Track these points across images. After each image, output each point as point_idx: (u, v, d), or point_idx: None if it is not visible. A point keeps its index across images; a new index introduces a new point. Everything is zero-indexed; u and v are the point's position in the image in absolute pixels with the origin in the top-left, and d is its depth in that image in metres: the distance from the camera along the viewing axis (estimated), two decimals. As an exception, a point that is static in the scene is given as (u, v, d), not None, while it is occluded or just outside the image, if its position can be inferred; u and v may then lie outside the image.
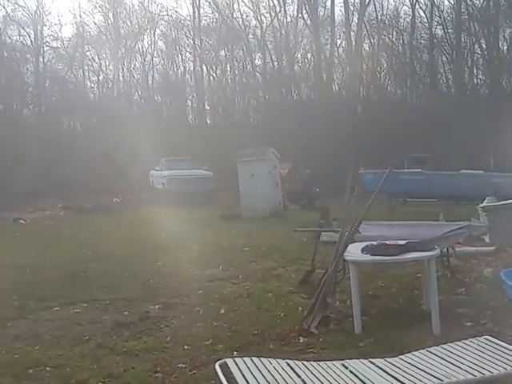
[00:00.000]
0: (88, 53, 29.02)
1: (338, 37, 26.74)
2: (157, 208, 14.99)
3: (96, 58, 29.16)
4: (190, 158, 19.29)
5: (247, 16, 27.81)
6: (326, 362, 2.87)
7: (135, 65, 29.54)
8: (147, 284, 6.52)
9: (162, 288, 6.25)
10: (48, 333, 4.76)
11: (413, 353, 2.91)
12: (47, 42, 27.89)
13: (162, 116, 28.16)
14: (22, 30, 27.61)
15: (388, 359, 2.87)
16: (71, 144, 22.88)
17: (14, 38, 27.70)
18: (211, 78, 29.11)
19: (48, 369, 3.90)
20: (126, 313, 5.33)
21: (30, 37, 27.54)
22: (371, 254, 4.34)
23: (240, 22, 27.74)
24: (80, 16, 29.09)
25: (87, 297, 5.92)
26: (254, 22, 27.81)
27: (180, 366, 3.90)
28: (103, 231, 11.82)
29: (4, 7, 26.98)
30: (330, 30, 26.30)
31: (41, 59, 27.71)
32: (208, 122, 28.77)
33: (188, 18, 28.17)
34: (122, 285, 6.48)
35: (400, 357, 2.89)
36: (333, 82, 26.39)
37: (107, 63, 29.45)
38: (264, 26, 27.40)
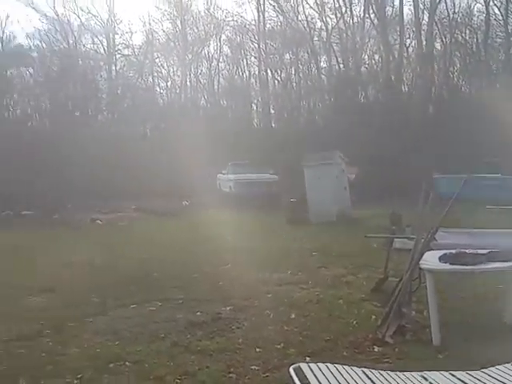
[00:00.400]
0: (157, 60, 30.08)
1: (407, 36, 26.03)
2: (224, 211, 15.21)
3: (165, 64, 30.18)
4: (256, 161, 19.44)
5: (312, 18, 27.71)
6: (404, 373, 2.80)
7: (202, 70, 30.27)
8: (217, 286, 6.65)
9: (232, 290, 6.34)
10: (126, 329, 4.97)
11: (496, 367, 2.79)
12: (119, 49, 29.21)
13: (227, 120, 28.61)
14: (95, 39, 29.10)
15: (470, 372, 2.76)
16: (142, 148, 23.73)
17: (88, 46, 29.25)
18: (276, 81, 29.25)
19: (127, 364, 4.07)
20: (198, 313, 5.46)
21: (102, 45, 28.96)
22: (450, 263, 4.19)
23: (305, 25, 27.67)
24: (149, 24, 30.19)
25: (161, 296, 6.12)
26: (319, 24, 27.66)
27: (253, 367, 3.96)
28: (173, 233, 12.20)
29: (79, 17, 28.55)
30: (399, 29, 25.63)
31: (113, 67, 29.04)
32: (273, 125, 28.90)
33: (253, 22, 28.51)
34: (193, 286, 6.65)
35: (483, 370, 2.77)
36: (402, 83, 25.71)
37: (175, 69, 30.37)
38: (329, 27, 27.17)
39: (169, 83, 30.42)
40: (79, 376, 3.79)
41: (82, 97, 27.51)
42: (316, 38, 27.65)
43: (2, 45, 26.91)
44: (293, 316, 5.19)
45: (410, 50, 26.45)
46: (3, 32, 26.77)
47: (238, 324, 5.08)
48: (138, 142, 25.79)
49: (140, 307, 5.75)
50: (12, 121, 26.56)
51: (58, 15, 28.20)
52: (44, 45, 28.80)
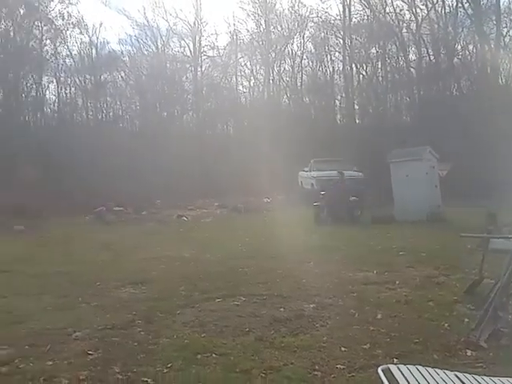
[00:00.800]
0: (241, 59, 30.59)
1: (503, 25, 24.32)
2: (306, 208, 15.15)
3: (248, 63, 30.61)
4: (340, 158, 19.10)
5: (401, 10, 26.73)
6: (500, 379, 2.61)
7: (284, 68, 30.35)
8: (300, 283, 6.61)
9: (315, 288, 6.28)
10: (212, 322, 5.08)
11: None
12: (204, 51, 30.06)
13: (310, 117, 28.45)
14: (182, 42, 30.18)
15: None
16: (225, 147, 24.26)
17: (176, 49, 30.41)
18: (361, 76, 28.59)
19: (214, 356, 4.16)
20: (281, 309, 5.46)
21: (189, 47, 29.97)
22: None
23: (393, 17, 26.79)
24: (234, 24, 30.77)
25: (245, 291, 6.20)
26: (408, 16, 26.65)
27: (338, 366, 3.90)
28: (255, 230, 12.36)
29: (167, 21, 29.78)
30: (495, 18, 24.01)
31: (199, 68, 29.96)
32: (357, 121, 28.30)
33: (338, 17, 28.07)
34: (277, 282, 6.67)
35: None
36: (499, 74, 24.07)
37: (258, 68, 30.70)
38: (419, 18, 26.09)
39: (252, 82, 30.86)
40: (169, 365, 3.92)
41: (169, 98, 28.66)
42: (405, 30, 26.67)
43: (96, 51, 28.72)
44: (379, 316, 5.03)
45: (507, 39, 24.71)
46: (97, 39, 28.59)
47: (322, 322, 5.01)
48: (221, 140, 26.42)
49: (225, 301, 5.86)
50: (106, 122, 28.30)
51: (148, 21, 29.63)
52: (134, 49, 30.43)
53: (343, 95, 29.01)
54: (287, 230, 11.11)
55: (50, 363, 4.05)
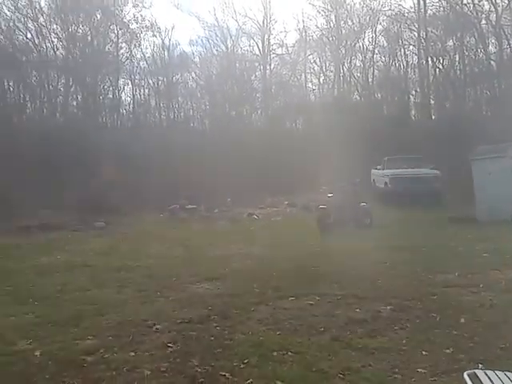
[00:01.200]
0: (310, 56, 30.34)
1: None
2: (379, 207, 14.75)
3: (317, 60, 30.28)
4: (415, 155, 18.42)
5: (480, 0, 25.34)
6: None
7: (355, 63, 29.73)
8: (376, 283, 6.46)
9: (392, 289, 6.11)
10: (286, 320, 5.08)
11: None
12: (273, 49, 30.12)
13: (382, 113, 27.69)
14: (251, 41, 30.41)
15: None
16: (293, 145, 24.16)
17: (245, 48, 30.70)
18: (436, 70, 27.44)
19: (290, 354, 4.16)
20: (357, 310, 5.37)
21: (258, 46, 30.12)
22: None
23: (471, 8, 25.46)
24: (303, 21, 30.57)
25: (319, 290, 6.14)
26: (487, 6, 25.21)
27: (419, 370, 3.79)
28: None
29: (236, 21, 30.15)
30: None
31: (267, 66, 30.07)
32: (433, 117, 27.19)
33: (412, 9, 27.10)
34: (351, 282, 6.53)
35: None
36: None
37: (327, 64, 30.30)
38: (499, 9, 24.62)
39: (321, 79, 30.51)
40: (245, 361, 3.96)
41: (238, 97, 29.01)
42: (484, 22, 25.27)
43: (168, 52, 29.61)
44: (462, 320, 4.81)
45: None
46: (169, 40, 29.49)
47: (401, 324, 4.87)
48: (290, 138, 26.33)
49: (298, 300, 5.83)
50: (177, 122, 29.13)
51: (217, 21, 30.15)
52: (205, 50, 31.11)
53: (418, 90, 27.97)
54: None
55: (133, 354, 4.21)
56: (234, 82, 29.40)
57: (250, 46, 30.53)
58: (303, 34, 29.86)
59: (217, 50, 30.66)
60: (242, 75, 29.86)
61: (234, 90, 29.29)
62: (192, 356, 4.11)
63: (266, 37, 29.94)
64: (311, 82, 31.09)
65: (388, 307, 5.41)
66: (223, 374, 3.74)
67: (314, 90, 31.17)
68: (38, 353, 4.25)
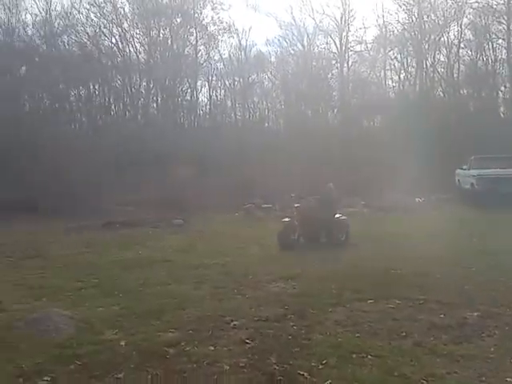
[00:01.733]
0: (390, 52, 29.41)
1: None
2: (464, 209, 14.07)
3: (398, 56, 29.29)
4: (505, 155, 17.23)
5: None
6: None
7: (439, 58, 28.44)
8: (462, 289, 6.14)
9: (480, 295, 5.80)
10: (365, 323, 4.96)
11: None
12: (351, 46, 29.51)
13: (468, 110, 26.32)
14: (328, 39, 29.99)
15: None
16: (371, 144, 23.56)
17: (322, 46, 30.33)
18: (528, 63, 25.64)
19: (369, 357, 4.05)
20: (441, 315, 5.14)
21: (335, 44, 29.64)
22: None
23: None
24: (383, 16, 29.67)
25: (400, 294, 5.93)
26: None
27: (508, 379, 3.63)
28: (405, 230, 11.57)
29: (314, 19, 29.84)
30: None
31: (345, 64, 29.53)
32: (524, 114, 25.46)
33: (501, 1, 25.47)
34: (434, 286, 6.28)
35: None
36: None
37: (409, 60, 29.24)
38: None
39: (402, 75, 29.48)
40: (324, 362, 3.91)
41: (313, 96, 28.75)
42: None
43: (245, 53, 29.93)
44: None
45: None
46: (246, 41, 29.78)
47: (489, 332, 4.63)
48: (367, 137, 25.72)
49: (378, 303, 5.67)
50: (252, 122, 29.41)
51: (294, 20, 30.04)
52: (281, 49, 31.11)
53: (507, 86, 26.29)
54: (444, 232, 10.39)
55: (212, 348, 4.29)
56: (309, 80, 29.18)
57: (327, 43, 30.09)
58: (383, 29, 29.01)
59: (293, 49, 30.57)
60: (318, 73, 29.55)
61: (309, 88, 29.05)
62: (270, 353, 4.12)
63: (344, 34, 29.38)
64: (391, 78, 30.15)
65: (475, 313, 5.15)
66: (301, 373, 3.71)
67: (393, 87, 30.22)
68: (123, 343, 4.44)
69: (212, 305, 5.78)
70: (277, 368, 3.81)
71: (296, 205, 10.33)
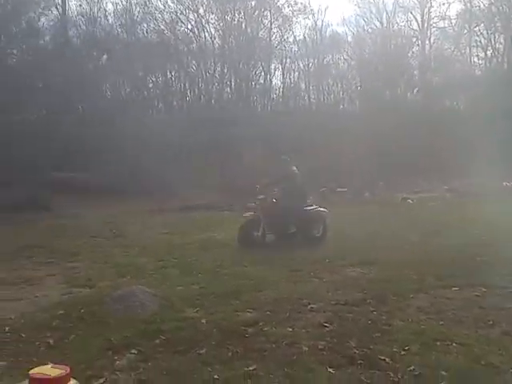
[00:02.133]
0: (476, 28, 27.67)
1: None
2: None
3: (484, 32, 27.50)
4: None
5: None
6: None
7: (532, 32, 26.35)
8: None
9: None
10: (450, 311, 4.76)
11: None
12: (434, 22, 28.07)
13: None
14: (408, 15, 28.68)
15: None
16: (454, 125, 22.37)
17: (402, 23, 29.08)
18: None
19: (454, 345, 3.89)
20: (533, 305, 4.80)
21: (416, 20, 28.33)
22: None
23: None
24: (469, -10, 27.92)
25: (486, 281, 5.64)
26: None
27: None
28: (490, 216, 10.88)
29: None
30: None
31: (427, 41, 28.16)
32: None
33: None
34: (525, 274, 5.87)
35: None
36: None
37: (497, 36, 27.37)
38: None
39: (489, 52, 27.68)
40: (406, 348, 3.79)
41: (392, 76, 27.67)
42: None
43: (320, 34, 29.31)
44: None
45: None
46: (322, 22, 29.15)
47: None
48: (450, 118, 24.45)
49: (462, 290, 5.43)
50: (327, 105, 28.85)
51: (374, -3, 28.99)
52: (358, 29, 30.19)
53: None
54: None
55: (290, 330, 4.30)
56: (388, 59, 28.13)
57: (407, 20, 28.94)
58: (468, 4, 27.39)
59: (371, 28, 29.64)
60: (398, 52, 28.43)
61: (388, 67, 28.01)
62: (349, 337, 4.05)
63: (426, 10, 28.10)
64: (477, 55, 28.44)
65: None
66: (383, 358, 3.62)
67: (480, 64, 28.48)
68: (204, 321, 4.56)
69: (288, 287, 5.79)
70: (357, 352, 3.75)
71: (260, 196, 9.01)
